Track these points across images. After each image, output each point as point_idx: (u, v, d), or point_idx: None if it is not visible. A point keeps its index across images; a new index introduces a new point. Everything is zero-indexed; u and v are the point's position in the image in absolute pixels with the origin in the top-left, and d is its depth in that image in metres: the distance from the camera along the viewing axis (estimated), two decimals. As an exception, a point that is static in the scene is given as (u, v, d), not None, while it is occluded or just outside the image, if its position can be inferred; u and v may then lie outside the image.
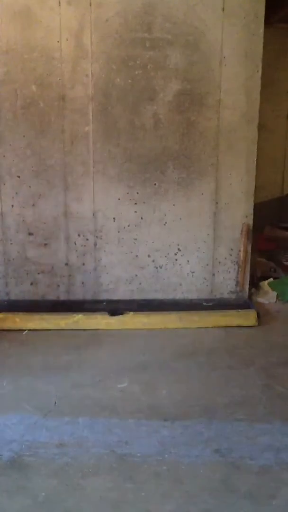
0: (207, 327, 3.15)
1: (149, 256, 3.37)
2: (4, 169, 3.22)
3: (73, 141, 3.14)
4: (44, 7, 3.00)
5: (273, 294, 3.69)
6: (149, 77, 3.09)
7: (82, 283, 3.36)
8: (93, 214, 3.26)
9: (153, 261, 3.38)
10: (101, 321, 3.16)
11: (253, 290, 3.68)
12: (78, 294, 3.37)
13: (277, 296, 3.68)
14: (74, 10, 3.01)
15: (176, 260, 3.38)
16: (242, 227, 3.35)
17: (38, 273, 3.37)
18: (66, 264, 3.35)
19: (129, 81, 3.09)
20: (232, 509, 1.65)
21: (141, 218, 3.30)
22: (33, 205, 3.26)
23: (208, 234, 3.35)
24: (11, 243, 3.33)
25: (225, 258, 3.40)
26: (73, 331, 3.01)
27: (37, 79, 3.09)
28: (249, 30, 3.08)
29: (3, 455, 1.90)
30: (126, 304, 3.32)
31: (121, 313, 3.01)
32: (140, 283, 3.40)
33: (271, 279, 3.87)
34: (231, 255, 3.40)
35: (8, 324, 3.13)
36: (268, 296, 3.67)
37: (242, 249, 3.36)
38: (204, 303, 3.39)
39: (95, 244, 3.31)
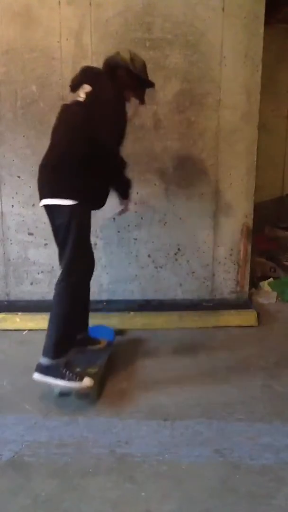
0: (207, 327, 3.15)
1: (149, 256, 3.37)
2: (4, 169, 3.22)
3: (73, 141, 3.14)
4: (44, 7, 3.00)
5: (273, 294, 3.69)
6: (149, 77, 3.08)
7: (82, 283, 3.36)
8: (93, 214, 3.25)
9: (153, 261, 3.38)
10: (100, 321, 3.16)
11: (253, 290, 3.68)
12: (78, 294, 3.37)
13: (277, 296, 3.68)
14: (74, 10, 3.01)
15: (176, 260, 3.39)
16: (242, 227, 3.35)
17: (38, 273, 3.37)
18: (66, 264, 3.35)
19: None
20: (232, 509, 1.65)
21: (141, 218, 3.30)
22: (33, 205, 3.26)
23: (208, 234, 3.35)
24: (11, 243, 3.33)
25: (225, 258, 3.40)
26: (73, 331, 3.00)
27: (37, 79, 3.09)
28: (249, 30, 3.08)
29: (3, 455, 1.90)
30: (126, 304, 3.32)
31: (122, 333, 3.01)
32: (140, 283, 3.40)
33: (271, 279, 3.87)
34: (231, 255, 3.40)
35: (8, 324, 3.13)
36: (268, 296, 3.68)
37: (242, 249, 3.36)
38: (204, 303, 3.39)
39: (95, 244, 3.31)
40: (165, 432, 2.05)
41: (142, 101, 2.55)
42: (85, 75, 2.41)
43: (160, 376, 2.53)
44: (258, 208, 3.46)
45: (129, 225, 3.30)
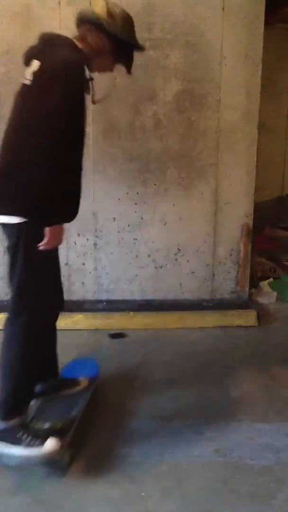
0: (207, 327, 3.15)
1: (149, 256, 3.37)
2: (4, 169, 3.22)
3: (73, 141, 3.13)
4: (44, 7, 3.00)
5: (273, 294, 3.69)
6: (149, 77, 3.09)
7: (82, 283, 3.36)
8: (93, 214, 3.26)
9: (153, 261, 3.38)
10: (101, 321, 3.16)
11: (253, 290, 3.68)
12: (78, 294, 3.37)
13: (277, 296, 3.68)
14: (74, 10, 2.98)
15: (176, 260, 3.38)
16: (242, 227, 3.35)
17: (38, 273, 3.36)
18: (66, 264, 3.35)
19: (129, 81, 3.08)
20: (232, 509, 1.65)
21: (141, 218, 3.30)
22: (33, 205, 3.26)
23: (208, 234, 3.35)
24: (11, 243, 3.32)
25: (225, 258, 3.40)
26: (73, 331, 3.00)
27: (37, 79, 3.08)
28: (249, 30, 3.08)
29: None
30: (126, 304, 3.32)
31: (122, 337, 3.01)
32: (140, 283, 3.40)
33: (271, 279, 3.87)
34: (231, 255, 3.40)
35: (8, 324, 3.12)
36: (268, 296, 3.67)
37: (242, 249, 3.36)
38: (204, 303, 3.39)
39: (95, 244, 3.31)
40: (165, 432, 2.06)
41: (128, 70, 1.96)
42: (40, 46, 1.82)
43: (160, 376, 2.54)
44: (258, 208, 3.46)
45: (129, 225, 3.30)
